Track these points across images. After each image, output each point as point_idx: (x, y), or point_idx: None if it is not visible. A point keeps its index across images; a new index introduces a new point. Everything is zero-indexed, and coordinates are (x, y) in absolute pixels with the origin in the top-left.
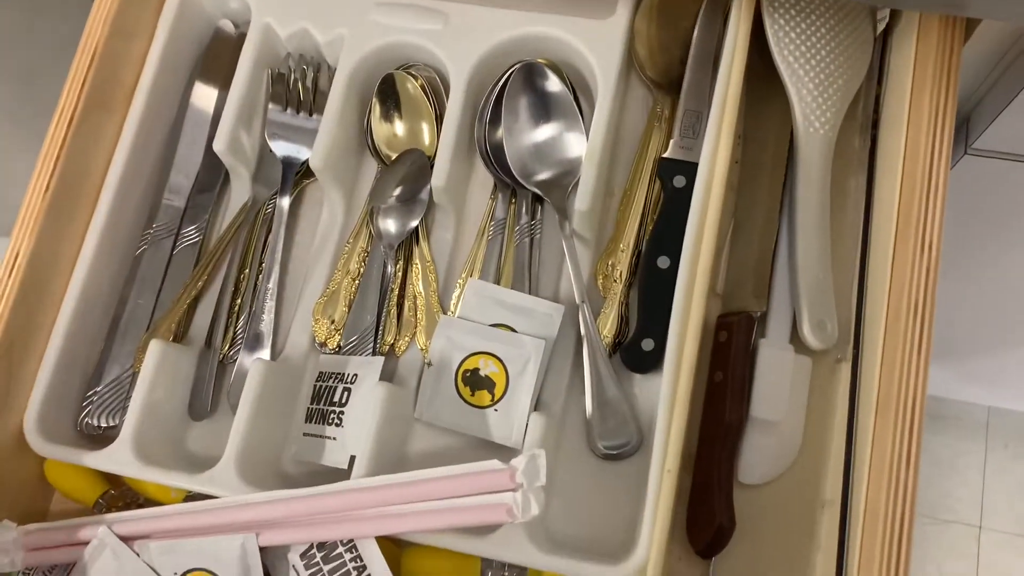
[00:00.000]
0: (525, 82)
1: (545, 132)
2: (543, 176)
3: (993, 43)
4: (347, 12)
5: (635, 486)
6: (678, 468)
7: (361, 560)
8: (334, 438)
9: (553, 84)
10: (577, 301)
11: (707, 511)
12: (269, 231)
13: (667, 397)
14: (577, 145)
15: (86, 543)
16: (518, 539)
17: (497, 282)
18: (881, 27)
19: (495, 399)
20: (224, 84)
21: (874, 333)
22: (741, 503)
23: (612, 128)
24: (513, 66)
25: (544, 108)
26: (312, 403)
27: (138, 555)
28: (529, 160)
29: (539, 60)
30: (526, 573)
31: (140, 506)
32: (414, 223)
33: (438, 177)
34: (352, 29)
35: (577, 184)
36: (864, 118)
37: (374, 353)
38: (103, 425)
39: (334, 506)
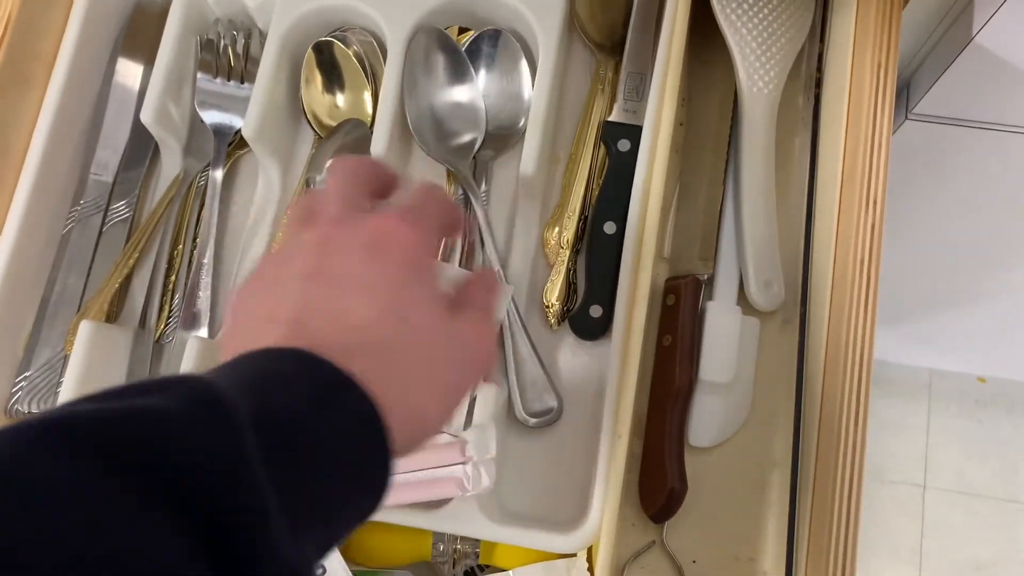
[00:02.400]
0: (420, 49)
1: (442, 98)
2: (446, 144)
3: (931, 6)
4: None
5: (584, 454)
6: (629, 433)
7: None
8: None
9: (447, 48)
10: (496, 267)
11: (659, 475)
12: (203, 205)
13: (617, 362)
14: (477, 111)
15: None
16: (469, 512)
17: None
18: None
19: None
20: (149, 57)
21: (821, 292)
22: (692, 466)
23: (555, 91)
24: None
25: (440, 73)
26: None
27: None
28: (430, 128)
29: (438, 27)
30: (478, 545)
31: None
32: None
33: (376, 147)
34: None
35: (481, 148)
36: (807, 77)
37: None
38: (35, 412)
39: None
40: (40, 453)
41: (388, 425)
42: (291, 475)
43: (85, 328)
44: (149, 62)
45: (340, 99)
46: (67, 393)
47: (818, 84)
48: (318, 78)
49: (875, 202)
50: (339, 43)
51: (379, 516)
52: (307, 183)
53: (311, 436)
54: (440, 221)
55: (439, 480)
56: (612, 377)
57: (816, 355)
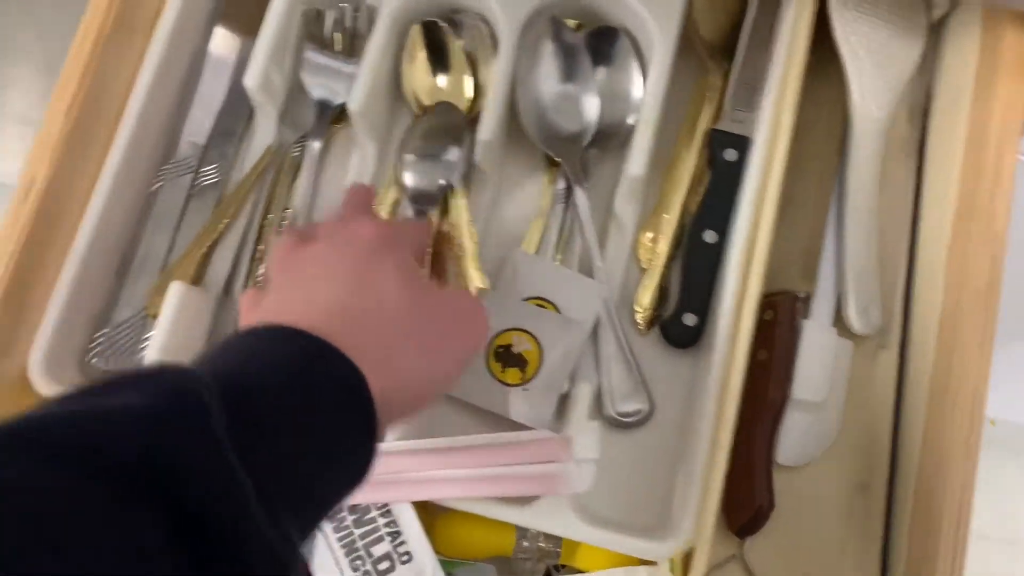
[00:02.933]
0: (540, 34)
1: (557, 88)
2: (555, 135)
3: None
4: None
5: (669, 461)
6: (729, 445)
7: (396, 525)
8: None
9: (570, 39)
10: (596, 264)
11: (746, 491)
12: (294, 176)
13: (719, 372)
14: (589, 106)
15: None
16: (559, 510)
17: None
18: (937, 15)
19: (526, 378)
20: (246, 27)
21: (926, 322)
22: (777, 484)
23: (668, 94)
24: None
25: (559, 64)
26: None
27: None
28: (541, 117)
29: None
30: (560, 544)
31: None
32: (443, 182)
33: (483, 133)
34: None
35: (588, 144)
36: (913, 104)
37: None
38: (111, 368)
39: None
40: (14, 457)
41: (370, 391)
42: (268, 454)
43: (175, 289)
44: (246, 32)
45: (441, 80)
46: (153, 352)
47: (925, 113)
48: (422, 57)
49: (996, 235)
50: (446, 24)
51: (465, 506)
52: (398, 161)
53: (288, 411)
54: (411, 232)
55: (537, 476)
56: (713, 386)
57: (918, 384)
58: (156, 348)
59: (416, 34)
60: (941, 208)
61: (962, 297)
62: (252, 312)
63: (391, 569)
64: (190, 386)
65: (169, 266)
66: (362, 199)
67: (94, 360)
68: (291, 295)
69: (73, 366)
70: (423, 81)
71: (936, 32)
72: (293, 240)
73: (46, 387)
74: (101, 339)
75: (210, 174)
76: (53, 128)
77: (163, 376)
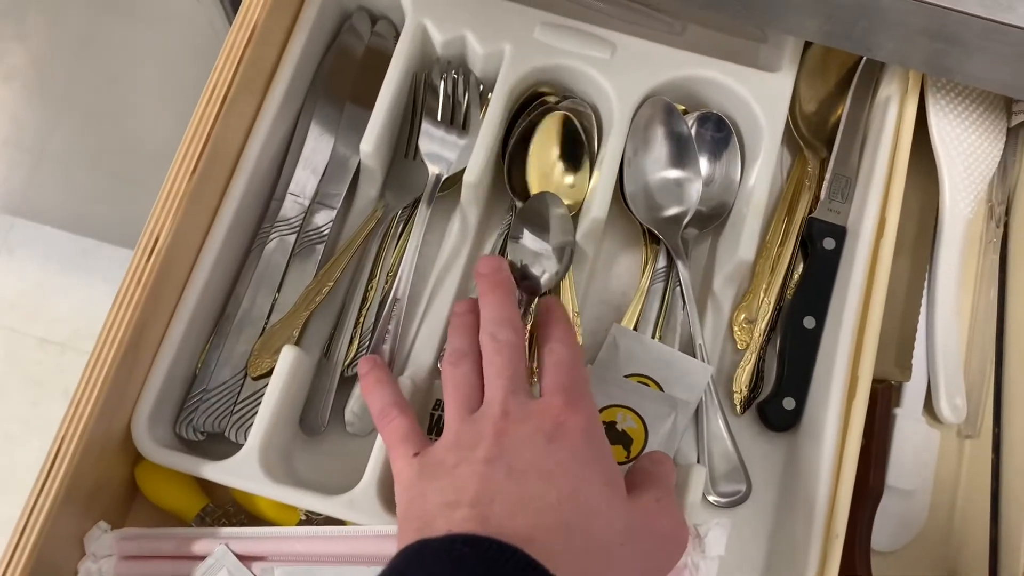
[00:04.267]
0: (652, 117)
1: (665, 170)
2: (660, 214)
3: None
4: (511, 25)
5: (757, 542)
6: (844, 534)
7: None
8: None
9: (680, 125)
10: (698, 342)
11: (847, 573)
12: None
13: (831, 461)
14: (693, 188)
15: (192, 558)
16: None
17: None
18: (1017, 120)
19: (630, 456)
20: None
21: (1018, 413)
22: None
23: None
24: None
25: (667, 146)
26: (430, 434)
27: None
28: (649, 197)
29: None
30: None
31: (244, 524)
32: (551, 273)
33: (594, 211)
34: (516, 45)
35: (687, 224)
36: (993, 202)
37: None
38: (207, 431)
39: None
40: None
41: None
42: None
43: (288, 353)
44: (349, 98)
45: (568, 174)
46: (263, 421)
47: (1008, 210)
48: (555, 148)
49: None
50: (566, 113)
51: None
52: (503, 242)
53: None
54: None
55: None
56: (824, 473)
57: (1017, 477)
58: (266, 417)
59: (552, 125)
60: None
61: None
62: (431, 487)
63: None
64: None
65: (271, 327)
66: (558, 316)
67: (191, 421)
68: (502, 492)
69: (169, 423)
70: (546, 168)
71: (1014, 135)
72: (470, 389)
73: (152, 451)
74: (197, 399)
75: (311, 237)
76: (178, 187)
77: None
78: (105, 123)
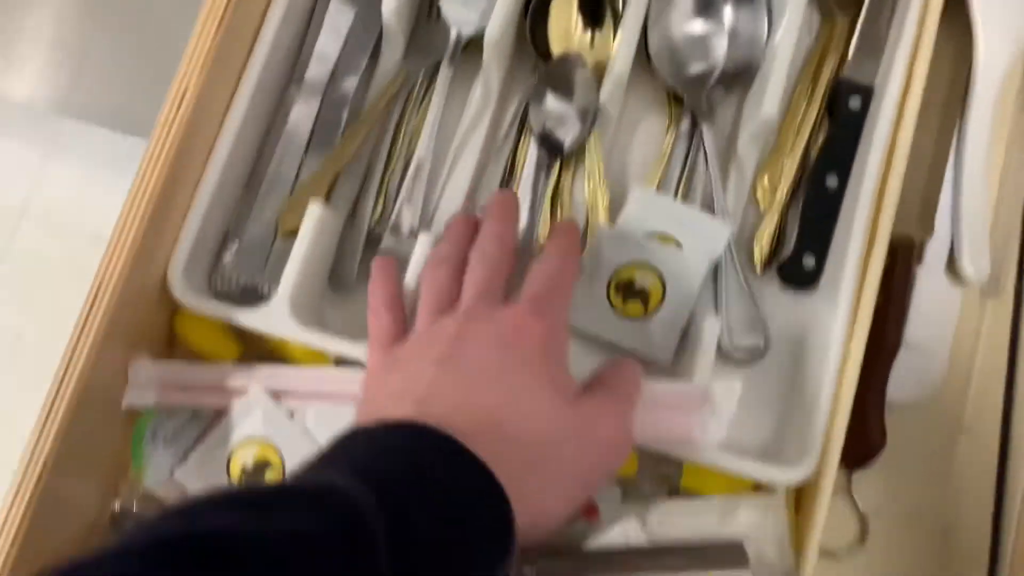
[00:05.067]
0: None
1: (690, 24)
2: (685, 73)
3: None
4: None
5: (784, 396)
6: (855, 381)
7: None
8: None
9: None
10: (719, 202)
11: (860, 427)
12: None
13: (846, 314)
14: (718, 44)
15: (227, 391)
16: None
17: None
18: None
19: (647, 311)
20: None
21: None
22: (886, 422)
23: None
24: None
25: (693, 3)
26: None
27: (292, 418)
28: (673, 55)
29: None
30: (681, 468)
31: None
32: (575, 135)
33: (616, 74)
34: None
35: (714, 83)
36: None
37: None
38: (240, 284)
39: None
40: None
41: (514, 527)
42: None
43: (314, 209)
44: None
45: (586, 32)
46: (292, 272)
47: None
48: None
49: None
50: None
51: None
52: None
53: (445, 548)
54: (567, 297)
55: (667, 422)
56: (838, 328)
57: None
58: (296, 266)
59: None
60: None
61: None
62: (389, 379)
63: None
64: (360, 518)
65: (300, 185)
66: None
67: (225, 275)
68: (447, 390)
69: (204, 276)
70: (568, 26)
71: None
72: (444, 294)
73: (183, 294)
74: (231, 253)
75: (337, 99)
76: (203, 43)
77: (334, 498)
78: (147, 23)
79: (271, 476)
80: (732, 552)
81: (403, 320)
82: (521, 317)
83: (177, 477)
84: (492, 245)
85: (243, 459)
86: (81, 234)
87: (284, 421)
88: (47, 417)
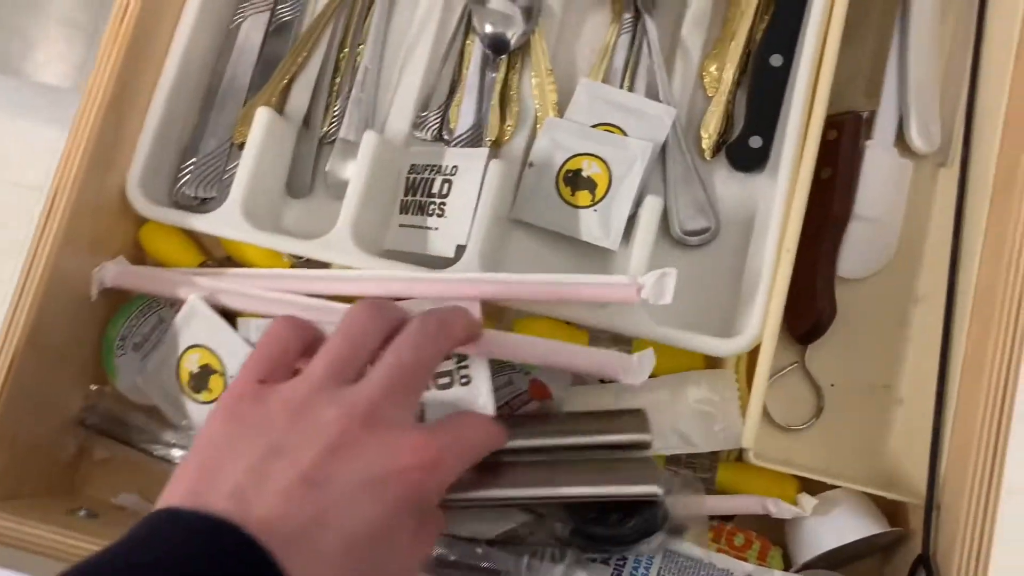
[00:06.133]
0: None
1: None
2: None
3: None
4: None
5: (735, 275)
6: (794, 252)
7: (468, 376)
8: (436, 228)
9: None
10: (663, 89)
11: (809, 299)
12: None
13: (785, 186)
14: None
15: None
16: (630, 311)
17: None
18: None
19: (595, 200)
20: None
21: (986, 136)
22: (838, 296)
23: None
24: None
25: None
26: (406, 195)
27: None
28: None
29: None
30: (631, 345)
31: None
32: (519, 33)
33: None
34: None
35: None
36: None
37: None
38: (199, 196)
39: (451, 292)
40: None
41: None
42: None
43: (262, 115)
44: None
45: None
46: (242, 178)
47: None
48: None
49: None
50: None
51: (543, 310)
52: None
53: None
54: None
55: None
56: (779, 200)
57: (980, 195)
58: (246, 170)
59: None
60: (1004, 31)
61: (1021, 109)
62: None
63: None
64: None
65: (252, 98)
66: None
67: (183, 190)
68: (235, 469)
69: (163, 192)
70: None
71: None
72: (254, 387)
73: (146, 207)
74: (190, 167)
75: (284, 12)
76: None
77: None
78: None
79: (215, 382)
80: (634, 418)
81: (294, 359)
82: (326, 401)
83: (139, 384)
84: (409, 354)
85: (189, 365)
86: None
87: (222, 327)
88: (12, 316)
